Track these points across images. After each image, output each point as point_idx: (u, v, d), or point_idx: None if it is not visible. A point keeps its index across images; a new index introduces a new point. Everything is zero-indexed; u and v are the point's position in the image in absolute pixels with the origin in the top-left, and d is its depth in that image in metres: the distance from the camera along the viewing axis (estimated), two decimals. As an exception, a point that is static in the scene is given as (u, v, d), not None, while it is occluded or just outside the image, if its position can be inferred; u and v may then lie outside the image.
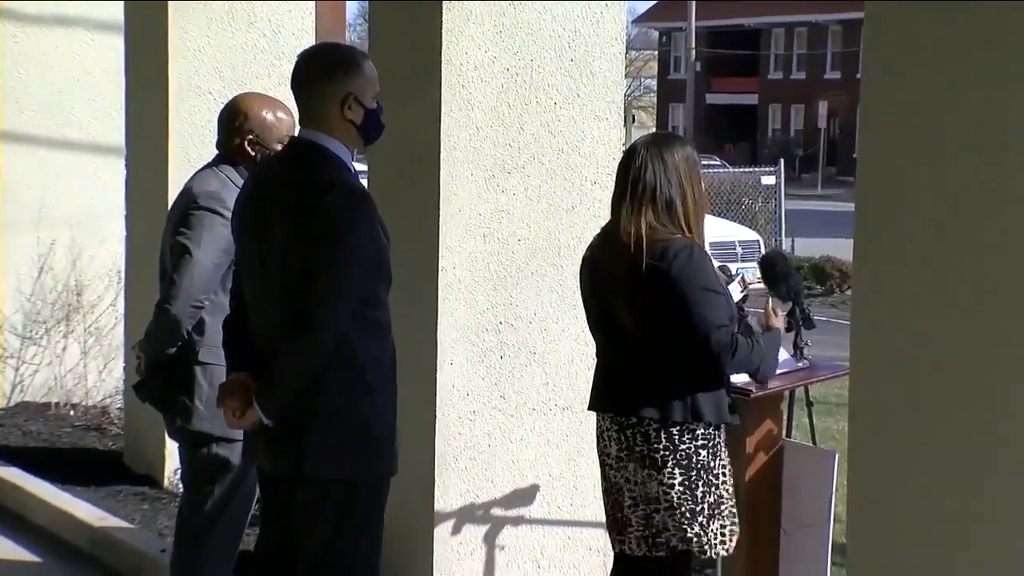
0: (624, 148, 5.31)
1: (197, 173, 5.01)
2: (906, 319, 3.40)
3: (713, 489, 4.45)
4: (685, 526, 4.43)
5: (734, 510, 4.53)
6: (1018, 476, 3.20)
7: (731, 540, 4.52)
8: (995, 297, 3.22)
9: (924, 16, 3.37)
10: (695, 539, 4.44)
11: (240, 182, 4.75)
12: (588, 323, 4.68)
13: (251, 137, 4.87)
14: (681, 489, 4.42)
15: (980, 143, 3.25)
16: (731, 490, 4.52)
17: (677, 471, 4.42)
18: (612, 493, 4.59)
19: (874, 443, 3.51)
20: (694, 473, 4.42)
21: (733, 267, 5.75)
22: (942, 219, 3.32)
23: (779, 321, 4.79)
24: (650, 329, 4.40)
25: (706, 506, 4.44)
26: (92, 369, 8.81)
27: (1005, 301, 3.20)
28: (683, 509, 4.43)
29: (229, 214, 4.58)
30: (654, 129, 54.72)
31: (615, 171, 4.58)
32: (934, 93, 3.34)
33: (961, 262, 3.30)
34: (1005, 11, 3.19)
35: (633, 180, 4.44)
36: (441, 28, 5.29)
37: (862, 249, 3.54)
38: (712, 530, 4.46)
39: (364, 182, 4.41)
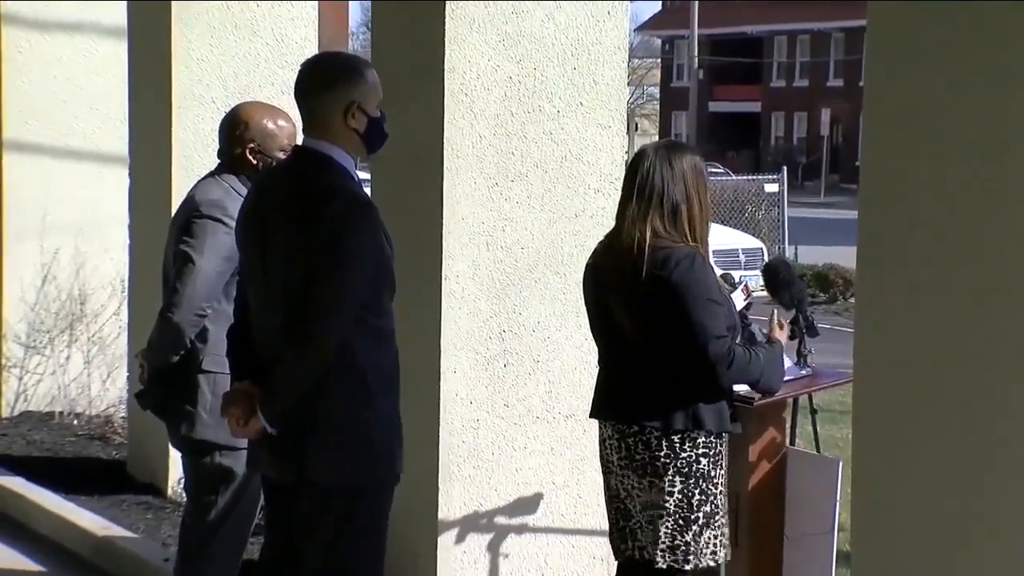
0: (627, 156, 5.31)
1: (200, 182, 5.01)
2: (909, 321, 3.40)
3: (710, 498, 4.44)
4: (676, 533, 4.42)
5: (725, 520, 4.52)
6: (1023, 479, 3.19)
7: (723, 551, 4.50)
8: (999, 299, 3.22)
9: (926, 17, 3.37)
10: (683, 547, 4.42)
11: (242, 191, 4.75)
12: (591, 329, 4.68)
13: (252, 146, 4.87)
14: (680, 497, 4.41)
15: (982, 144, 3.24)
16: (725, 500, 4.51)
17: (677, 479, 4.41)
18: (615, 501, 4.58)
19: (878, 447, 3.51)
20: (693, 481, 4.41)
21: (736, 275, 5.74)
22: (945, 221, 3.32)
23: (782, 333, 4.78)
24: (651, 336, 4.40)
25: (701, 515, 4.43)
26: (96, 378, 8.80)
27: (1009, 303, 3.20)
28: (678, 517, 4.42)
29: (232, 222, 4.58)
30: (657, 137, 54.75)
31: (618, 179, 4.58)
32: (937, 94, 3.34)
33: (964, 264, 3.29)
34: (1005, 11, 3.19)
35: (640, 184, 4.44)
36: (444, 36, 5.29)
37: (865, 251, 3.54)
38: (704, 539, 4.44)
39: (367, 190, 4.41)
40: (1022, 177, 3.15)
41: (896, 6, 3.45)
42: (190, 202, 4.90)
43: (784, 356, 4.81)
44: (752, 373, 4.48)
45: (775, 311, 4.86)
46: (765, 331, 4.75)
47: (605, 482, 4.63)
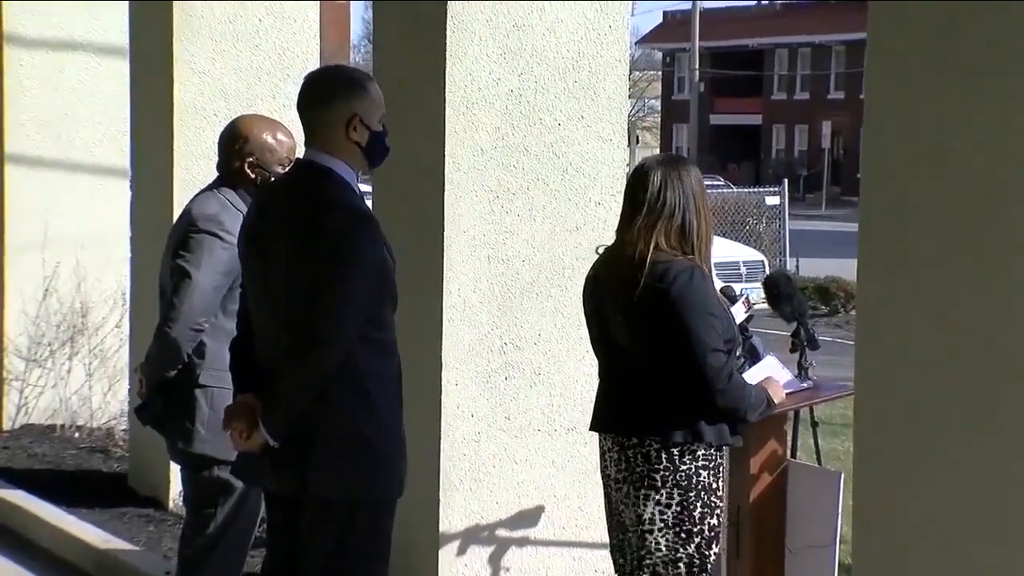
0: (628, 169, 5.31)
1: (197, 195, 5.01)
2: (911, 334, 3.40)
3: (714, 511, 4.44)
4: (678, 546, 4.41)
5: (723, 533, 4.53)
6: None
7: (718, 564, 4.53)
8: (1002, 312, 3.22)
9: (926, 27, 3.38)
10: (686, 560, 4.42)
11: (241, 205, 4.76)
12: (591, 341, 4.68)
13: (251, 159, 4.86)
14: (678, 510, 4.40)
15: (983, 156, 3.24)
16: (725, 513, 4.52)
17: (676, 492, 4.40)
18: (614, 514, 4.58)
19: (879, 459, 3.50)
20: (693, 494, 4.41)
21: (737, 288, 5.74)
22: (947, 234, 3.32)
23: (778, 392, 4.70)
24: (651, 349, 4.40)
25: (706, 527, 4.43)
26: (97, 391, 8.80)
27: (1013, 315, 3.20)
28: (679, 530, 4.41)
29: (229, 237, 4.58)
30: (658, 149, 54.74)
31: (620, 191, 4.58)
32: (938, 108, 3.34)
33: (967, 278, 3.29)
34: (1004, 13, 3.19)
35: (652, 198, 4.42)
36: (445, 50, 5.30)
37: (866, 263, 3.54)
38: (714, 552, 4.45)
39: (369, 203, 4.42)
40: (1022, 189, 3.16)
41: (896, 17, 3.45)
42: (187, 216, 4.89)
43: (784, 370, 4.82)
44: (745, 399, 4.46)
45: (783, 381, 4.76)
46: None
47: (605, 495, 4.62)
